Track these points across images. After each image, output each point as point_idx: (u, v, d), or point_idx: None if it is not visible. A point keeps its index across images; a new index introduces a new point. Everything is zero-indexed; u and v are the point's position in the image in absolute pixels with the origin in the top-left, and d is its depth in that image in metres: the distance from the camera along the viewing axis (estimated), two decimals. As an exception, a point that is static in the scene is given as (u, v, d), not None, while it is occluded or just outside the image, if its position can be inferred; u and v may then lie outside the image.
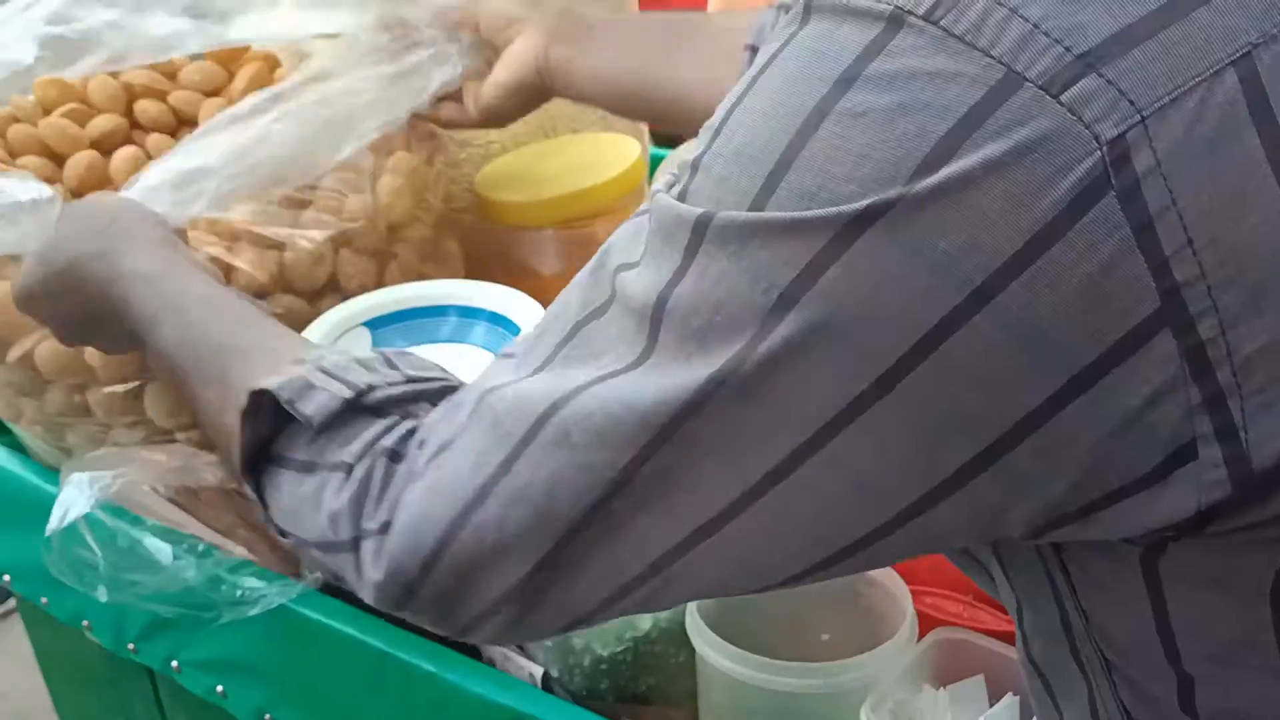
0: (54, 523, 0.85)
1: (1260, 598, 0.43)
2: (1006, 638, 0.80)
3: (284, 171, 0.93)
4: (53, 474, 1.01)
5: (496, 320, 0.99)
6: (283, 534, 0.63)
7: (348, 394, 0.59)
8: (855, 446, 0.42)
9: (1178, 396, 0.39)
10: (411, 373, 0.61)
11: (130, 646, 1.00)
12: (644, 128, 1.31)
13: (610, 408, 0.46)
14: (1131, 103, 0.37)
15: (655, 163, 1.33)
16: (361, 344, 0.98)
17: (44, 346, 0.93)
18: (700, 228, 0.43)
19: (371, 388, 0.59)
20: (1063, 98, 0.37)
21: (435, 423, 0.55)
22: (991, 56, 0.38)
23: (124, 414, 0.95)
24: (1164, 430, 0.39)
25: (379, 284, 1.01)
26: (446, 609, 0.54)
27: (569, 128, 1.25)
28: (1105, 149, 0.37)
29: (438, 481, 0.52)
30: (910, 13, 0.39)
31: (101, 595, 0.87)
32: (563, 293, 0.52)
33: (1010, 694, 0.78)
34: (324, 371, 0.61)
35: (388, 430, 0.57)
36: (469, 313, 1.00)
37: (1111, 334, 0.38)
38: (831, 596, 0.86)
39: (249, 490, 0.64)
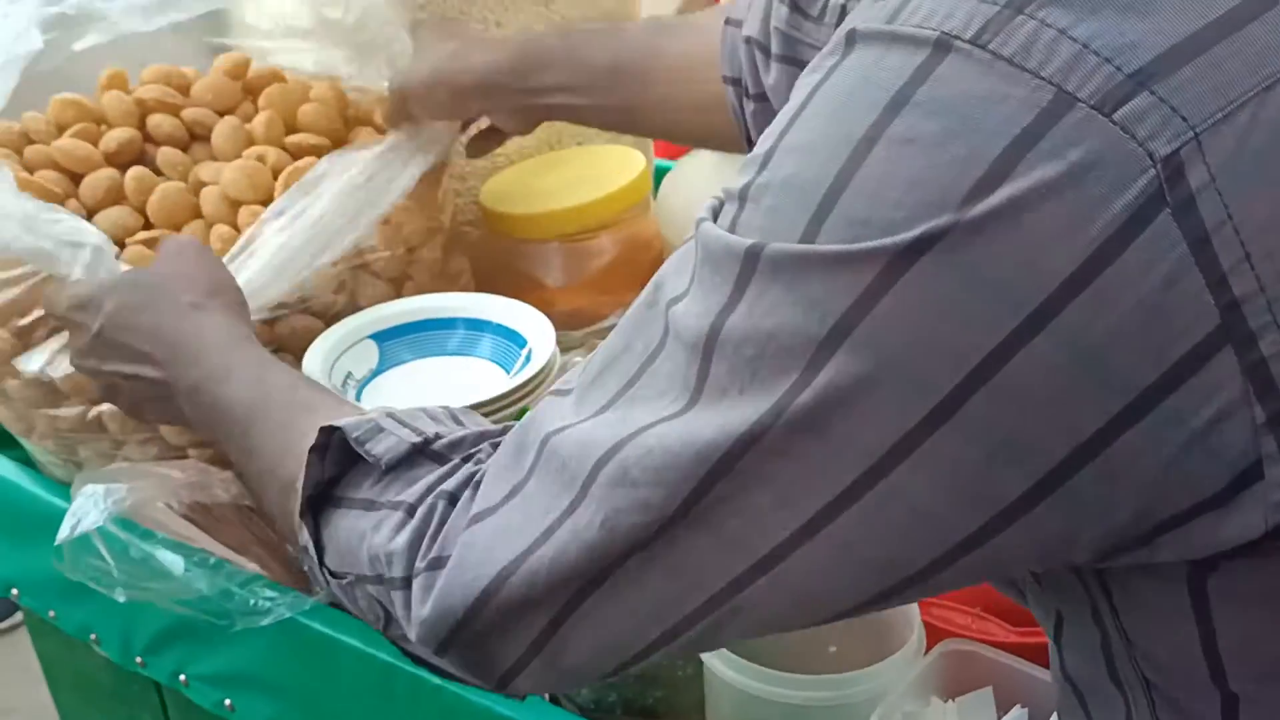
0: (64, 533, 0.86)
1: None
2: (1015, 650, 0.80)
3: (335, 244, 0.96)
4: (62, 488, 1.02)
5: (503, 332, 0.99)
6: (334, 575, 0.63)
7: (415, 439, 0.60)
8: (915, 477, 0.41)
9: (1242, 415, 0.38)
10: (476, 428, 0.62)
11: (138, 660, 1.00)
12: (649, 140, 1.32)
13: (669, 444, 0.45)
14: (1184, 119, 0.37)
15: (660, 175, 1.33)
16: (369, 356, 0.98)
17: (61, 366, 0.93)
18: (751, 258, 0.43)
19: (439, 435, 0.60)
20: (1115, 116, 0.37)
21: (499, 466, 0.55)
22: (1041, 78, 0.38)
23: (137, 430, 0.95)
24: (1230, 450, 0.39)
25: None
26: (490, 650, 0.54)
27: (574, 140, 1.25)
28: (1159, 166, 0.37)
29: (508, 524, 0.52)
30: (957, 37, 0.39)
31: (120, 596, 0.88)
32: (619, 329, 0.51)
33: (1018, 706, 0.78)
34: (393, 418, 0.62)
35: (449, 474, 0.57)
36: (476, 325, 1.00)
37: (1173, 353, 0.38)
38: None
39: (304, 535, 0.64)
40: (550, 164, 1.20)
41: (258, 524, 0.95)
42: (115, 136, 1.04)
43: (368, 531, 0.59)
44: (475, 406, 0.88)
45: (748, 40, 0.88)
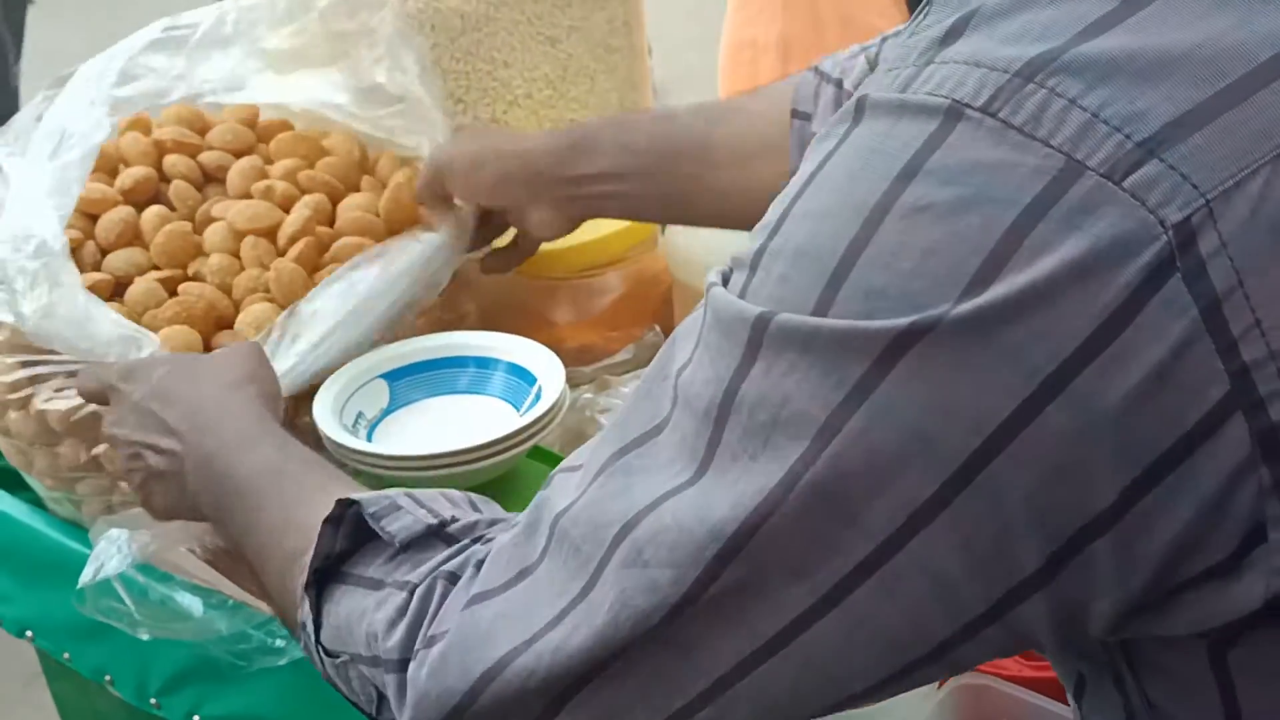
0: (88, 576, 0.86)
1: None
2: (1029, 684, 0.80)
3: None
4: (77, 531, 1.02)
5: (513, 370, 0.99)
6: (328, 654, 0.62)
7: (432, 520, 0.60)
8: (932, 546, 0.41)
9: (1251, 479, 0.38)
10: (491, 514, 0.62)
11: (153, 701, 1.00)
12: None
13: (682, 520, 0.45)
14: (1195, 186, 0.37)
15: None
16: (380, 396, 0.98)
17: (55, 401, 0.94)
18: (761, 325, 0.43)
19: (455, 519, 0.60)
20: (1125, 184, 0.38)
21: (507, 546, 0.54)
22: (1051, 146, 0.38)
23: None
24: (1238, 515, 0.39)
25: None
26: None
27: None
28: (1170, 233, 0.37)
29: (514, 608, 0.51)
30: (968, 105, 0.39)
31: (143, 634, 0.89)
32: (631, 399, 0.51)
33: (1033, 740, 0.78)
34: (411, 498, 0.62)
35: (454, 555, 0.57)
36: (486, 363, 1.00)
37: (1186, 419, 0.38)
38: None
39: (305, 609, 0.63)
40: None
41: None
42: (131, 174, 1.05)
43: (369, 610, 0.58)
44: (486, 444, 0.89)
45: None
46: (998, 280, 0.38)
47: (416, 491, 0.63)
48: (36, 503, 1.08)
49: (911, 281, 0.40)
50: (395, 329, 1.02)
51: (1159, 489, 0.39)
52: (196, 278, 1.01)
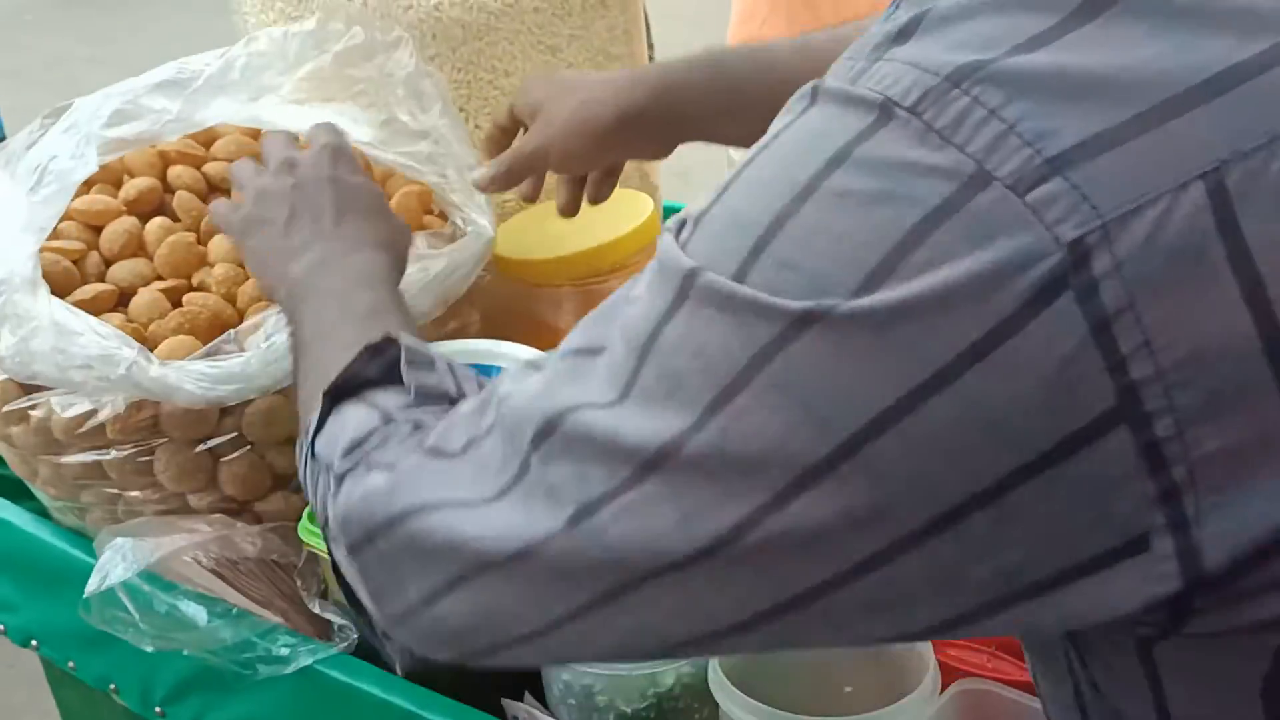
0: (93, 585, 0.87)
1: (1252, 700, 0.43)
2: (1030, 689, 0.80)
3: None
4: (81, 541, 1.03)
5: (516, 378, 0.99)
6: (313, 457, 0.65)
7: (453, 392, 0.64)
8: (814, 507, 0.42)
9: (1133, 488, 0.39)
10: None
11: (158, 710, 1.00)
12: (659, 184, 1.33)
13: (596, 435, 0.47)
14: (1094, 207, 0.38)
15: (668, 216, 1.34)
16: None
17: (59, 413, 0.94)
18: (689, 278, 0.45)
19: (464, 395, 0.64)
20: (1027, 198, 0.38)
21: (466, 415, 0.57)
22: (965, 153, 0.39)
23: (137, 475, 0.97)
24: (1117, 519, 0.40)
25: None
26: (386, 581, 0.57)
27: (583, 185, 1.26)
28: (1065, 250, 0.38)
29: (458, 471, 0.54)
30: (899, 104, 0.41)
31: (148, 646, 0.89)
32: (595, 311, 0.53)
33: (1035, 745, 0.78)
34: (451, 368, 0.66)
35: (439, 416, 0.60)
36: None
37: (1070, 425, 0.39)
38: (854, 650, 0.86)
39: (314, 415, 0.66)
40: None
41: (281, 578, 0.96)
42: (135, 185, 1.05)
43: (352, 425, 0.63)
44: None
45: None
46: (894, 276, 0.40)
47: (460, 366, 0.67)
48: (41, 512, 1.08)
49: (820, 262, 0.41)
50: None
51: (1037, 481, 0.40)
52: (201, 288, 1.02)
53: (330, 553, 0.64)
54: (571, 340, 0.53)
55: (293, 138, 0.94)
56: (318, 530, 0.91)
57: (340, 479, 0.60)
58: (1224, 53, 0.39)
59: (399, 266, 0.86)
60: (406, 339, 0.66)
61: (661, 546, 0.46)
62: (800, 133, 0.44)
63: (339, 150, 0.90)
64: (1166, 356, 0.38)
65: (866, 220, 0.41)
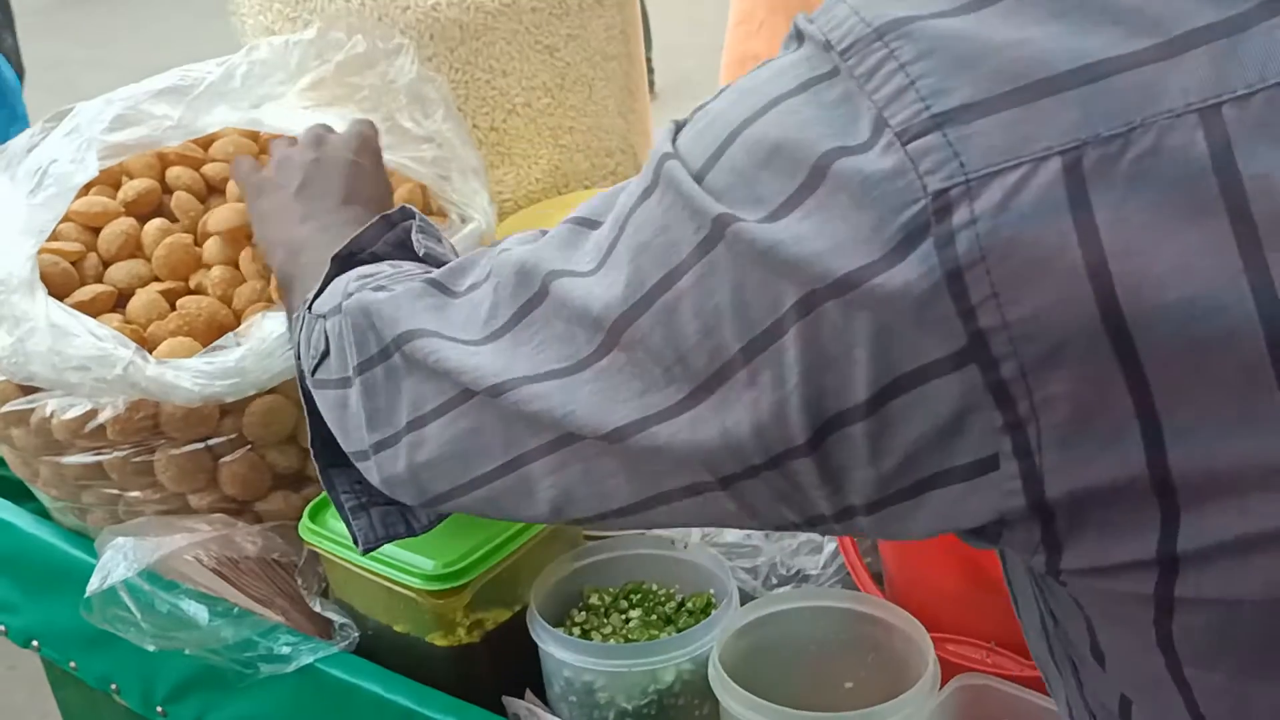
0: (94, 584, 0.87)
1: (1152, 647, 0.46)
2: (1028, 683, 0.81)
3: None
4: (82, 541, 1.03)
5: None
6: (310, 311, 0.72)
7: (450, 260, 0.67)
8: (731, 400, 0.48)
9: (983, 416, 0.43)
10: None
11: (159, 709, 1.00)
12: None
13: (573, 300, 0.52)
14: (962, 164, 0.41)
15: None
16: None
17: (60, 414, 0.95)
18: (662, 162, 0.49)
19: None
20: (909, 147, 0.42)
21: (468, 261, 0.62)
22: (872, 100, 0.43)
23: (137, 475, 0.97)
24: (970, 440, 0.44)
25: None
26: (376, 406, 0.64)
27: (580, 184, 1.27)
28: (930, 199, 0.42)
29: (456, 310, 0.60)
30: (834, 47, 0.45)
31: (149, 646, 0.90)
32: (604, 192, 0.58)
33: (1034, 739, 0.78)
34: (452, 247, 0.74)
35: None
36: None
37: (924, 358, 0.43)
38: (854, 645, 0.87)
39: (324, 273, 0.72)
40: (557, 208, 1.22)
41: (282, 577, 0.96)
42: (134, 186, 1.06)
43: (358, 275, 0.68)
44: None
45: None
46: (794, 199, 0.44)
47: (453, 257, 0.71)
48: (42, 513, 1.09)
49: (752, 170, 0.46)
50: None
51: (901, 399, 0.44)
52: (198, 290, 1.02)
53: (305, 388, 0.70)
54: (577, 210, 0.57)
55: (329, 128, 0.98)
56: (319, 529, 0.91)
57: (347, 298, 0.66)
58: (1107, 45, 0.41)
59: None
60: (420, 217, 0.71)
61: (608, 417, 0.51)
62: (786, 62, 0.48)
63: (368, 140, 0.95)
64: (1012, 311, 0.41)
65: (789, 142, 0.45)
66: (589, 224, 0.55)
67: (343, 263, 0.73)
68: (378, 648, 0.92)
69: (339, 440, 0.70)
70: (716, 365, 0.48)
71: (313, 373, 0.71)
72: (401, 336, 0.61)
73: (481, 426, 0.58)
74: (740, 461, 0.49)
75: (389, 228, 0.72)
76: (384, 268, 0.70)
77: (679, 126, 0.52)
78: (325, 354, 0.69)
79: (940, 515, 0.47)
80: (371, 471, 0.66)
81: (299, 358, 0.74)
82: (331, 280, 0.72)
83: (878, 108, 0.43)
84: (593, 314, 0.51)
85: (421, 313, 0.61)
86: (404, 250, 0.71)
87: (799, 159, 0.44)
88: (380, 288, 0.66)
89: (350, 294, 0.67)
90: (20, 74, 3.50)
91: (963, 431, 0.44)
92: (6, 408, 0.97)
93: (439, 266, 0.67)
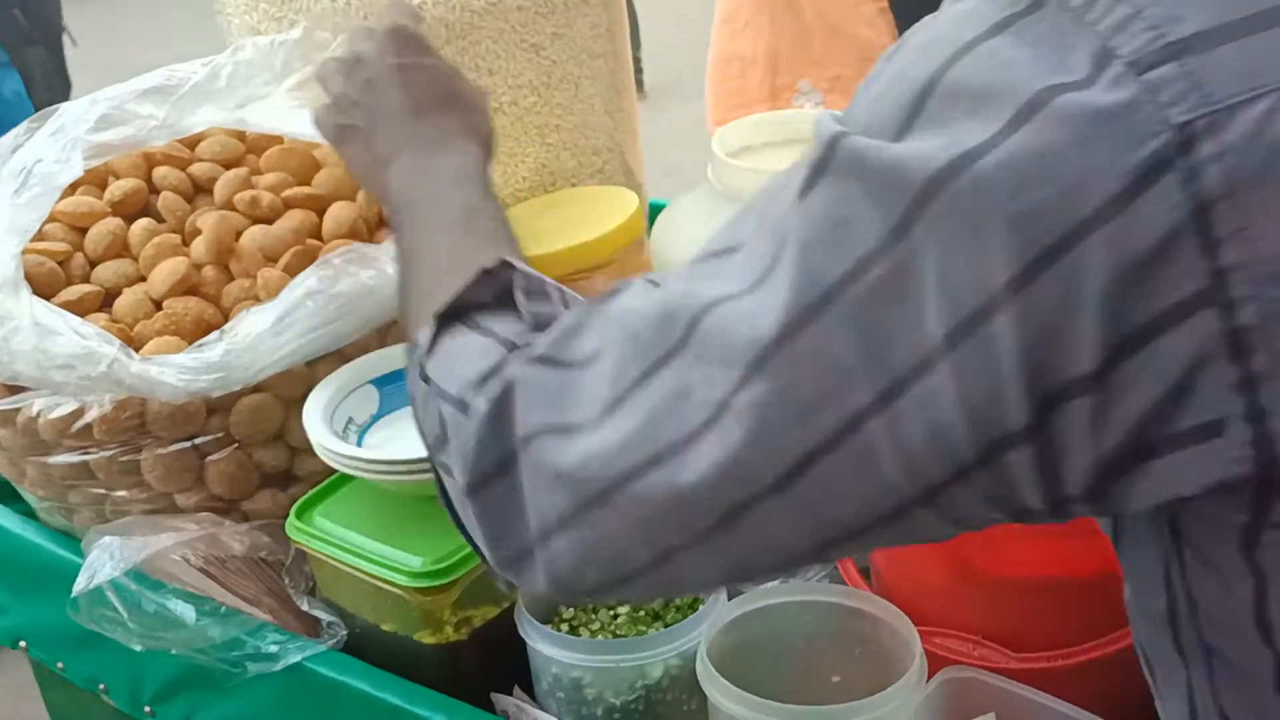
0: (81, 584, 0.87)
1: None
2: (1016, 675, 0.81)
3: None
4: (69, 541, 1.03)
5: (502, 374, 1.00)
6: (424, 379, 0.66)
7: (557, 314, 0.64)
8: (935, 392, 0.45)
9: (1215, 371, 0.41)
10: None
11: (147, 709, 1.00)
12: (644, 181, 1.33)
13: (730, 324, 0.49)
14: (1205, 95, 0.40)
15: (654, 214, 1.34)
16: (369, 402, 0.99)
17: (46, 414, 0.95)
18: (832, 146, 0.47)
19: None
20: (1145, 77, 0.40)
21: (579, 324, 0.58)
22: (1095, 30, 0.42)
23: (124, 475, 0.97)
24: (1198, 401, 0.42)
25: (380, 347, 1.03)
26: (512, 512, 0.58)
27: (567, 182, 1.27)
28: (1174, 131, 0.40)
29: (583, 384, 0.55)
30: None
31: (136, 645, 0.89)
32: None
33: (1020, 731, 0.78)
34: (561, 292, 0.67)
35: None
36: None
37: (1160, 302, 0.41)
38: (841, 639, 0.87)
39: (426, 333, 0.67)
40: (544, 206, 1.22)
41: (270, 575, 0.96)
42: (121, 186, 1.06)
43: (474, 353, 0.63)
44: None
45: None
46: (1011, 136, 0.42)
47: (570, 292, 0.67)
48: (29, 513, 1.08)
49: (959, 120, 0.43)
50: (385, 335, 1.03)
51: (1131, 361, 0.42)
52: (187, 290, 1.02)
53: (443, 487, 0.65)
54: (699, 251, 0.54)
55: (367, 30, 0.90)
56: (306, 528, 0.91)
57: (461, 405, 0.61)
58: None
59: (485, 145, 0.85)
60: (520, 265, 0.68)
61: (776, 452, 0.48)
62: (966, 4, 0.46)
63: (401, 33, 0.87)
64: (1261, 247, 0.40)
65: (1000, 79, 0.43)
66: (724, 253, 0.51)
67: (446, 317, 0.67)
68: (366, 646, 0.91)
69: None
70: (921, 354, 0.45)
71: (434, 451, 0.66)
72: (521, 441, 0.57)
73: (617, 525, 0.54)
74: (952, 463, 0.46)
75: (489, 279, 0.67)
76: (499, 352, 0.63)
77: (834, 118, 0.49)
78: (444, 440, 0.64)
79: (1158, 487, 0.45)
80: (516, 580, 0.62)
81: (419, 422, 0.68)
82: (439, 336, 0.67)
83: (1101, 39, 0.42)
84: (752, 335, 0.48)
85: (536, 407, 0.57)
86: (506, 298, 0.67)
87: (1010, 101, 0.42)
88: (487, 382, 0.60)
89: (465, 401, 0.61)
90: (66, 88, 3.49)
91: (1192, 390, 0.42)
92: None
93: (544, 325, 0.63)
